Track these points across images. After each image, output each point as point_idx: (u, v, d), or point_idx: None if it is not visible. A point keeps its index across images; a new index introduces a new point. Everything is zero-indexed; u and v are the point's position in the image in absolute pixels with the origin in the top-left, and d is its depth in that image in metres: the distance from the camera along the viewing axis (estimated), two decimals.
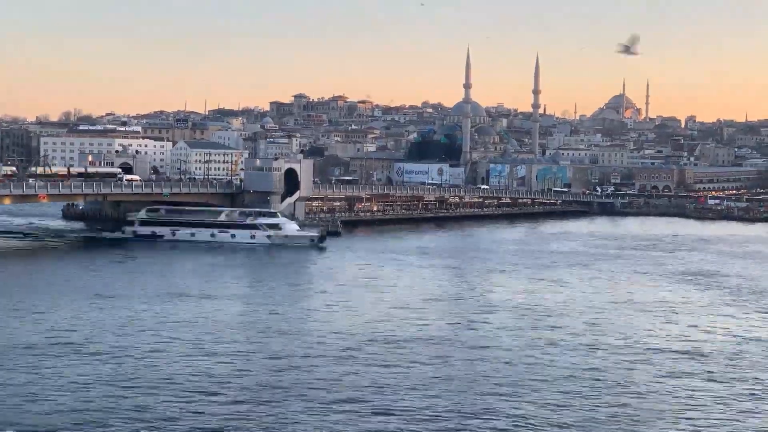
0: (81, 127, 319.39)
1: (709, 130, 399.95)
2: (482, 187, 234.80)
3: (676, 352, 64.45)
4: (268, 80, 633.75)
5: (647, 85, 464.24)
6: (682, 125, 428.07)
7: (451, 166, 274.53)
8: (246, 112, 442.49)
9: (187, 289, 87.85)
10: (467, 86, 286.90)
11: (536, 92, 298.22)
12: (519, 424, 47.07)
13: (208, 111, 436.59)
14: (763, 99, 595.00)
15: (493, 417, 47.96)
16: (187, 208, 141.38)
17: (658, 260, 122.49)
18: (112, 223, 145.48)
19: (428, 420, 47.16)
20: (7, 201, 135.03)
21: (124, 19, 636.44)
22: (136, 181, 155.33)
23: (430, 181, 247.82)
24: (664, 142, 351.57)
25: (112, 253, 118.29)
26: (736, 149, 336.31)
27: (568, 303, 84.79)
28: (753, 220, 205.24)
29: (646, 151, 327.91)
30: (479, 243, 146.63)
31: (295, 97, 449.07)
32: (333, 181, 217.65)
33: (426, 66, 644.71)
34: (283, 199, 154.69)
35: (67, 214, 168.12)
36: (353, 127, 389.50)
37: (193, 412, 47.35)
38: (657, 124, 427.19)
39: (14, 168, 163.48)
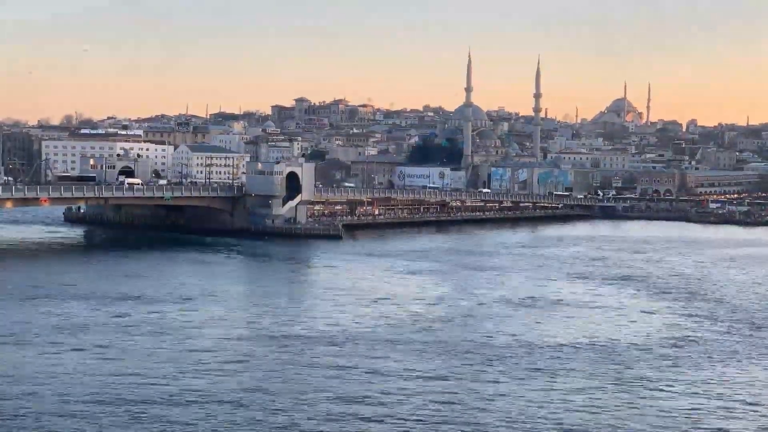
0: (82, 131, 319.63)
1: (711, 133, 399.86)
2: (483, 190, 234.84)
3: None
4: (270, 84, 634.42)
5: (648, 89, 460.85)
6: (684, 129, 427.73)
7: (452, 169, 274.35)
8: (247, 116, 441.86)
9: None
10: (468, 90, 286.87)
11: (537, 96, 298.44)
12: None
13: (210, 115, 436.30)
14: (765, 103, 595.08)
15: None
16: None
17: None
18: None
19: None
20: (9, 205, 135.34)
21: (126, 22, 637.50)
22: (138, 184, 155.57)
23: (431, 185, 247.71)
24: (666, 146, 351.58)
25: None
26: (737, 153, 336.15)
27: None
28: (754, 223, 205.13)
29: (648, 155, 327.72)
30: None
31: (297, 100, 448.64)
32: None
33: (427, 69, 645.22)
34: (284, 202, 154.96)
35: (69, 218, 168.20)
36: (355, 130, 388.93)
37: None
38: (658, 127, 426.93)
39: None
